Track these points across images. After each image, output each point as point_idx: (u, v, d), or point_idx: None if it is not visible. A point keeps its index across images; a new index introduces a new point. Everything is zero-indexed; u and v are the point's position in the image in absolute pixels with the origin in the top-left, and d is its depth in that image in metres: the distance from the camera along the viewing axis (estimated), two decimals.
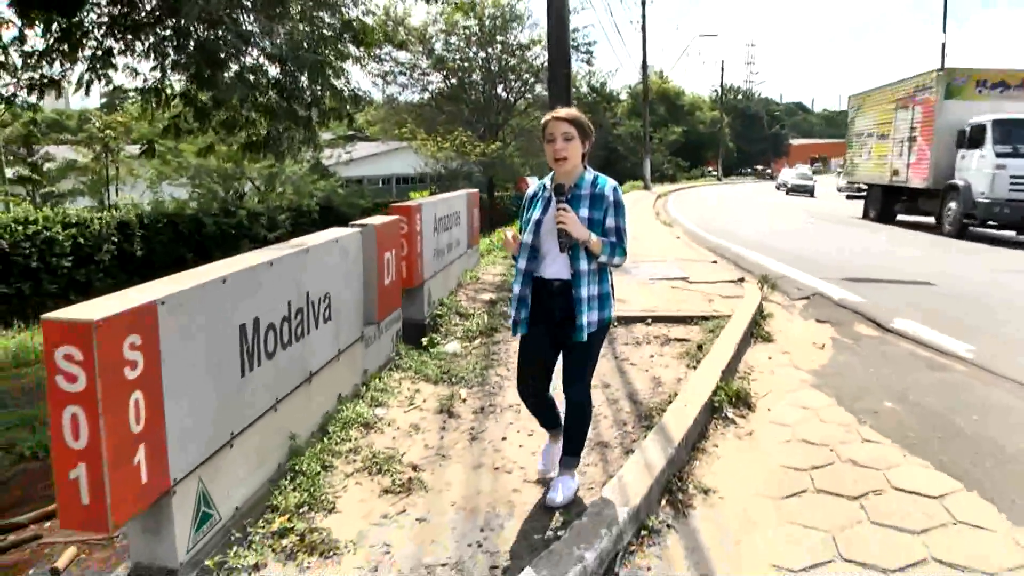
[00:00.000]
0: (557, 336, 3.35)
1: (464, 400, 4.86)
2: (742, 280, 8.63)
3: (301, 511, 3.41)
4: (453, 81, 32.00)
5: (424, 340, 6.03)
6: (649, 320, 6.65)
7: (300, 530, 3.24)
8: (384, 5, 27.29)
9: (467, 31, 32.02)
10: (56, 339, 2.38)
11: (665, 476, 3.63)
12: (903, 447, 4.15)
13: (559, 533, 3.13)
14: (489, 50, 32.20)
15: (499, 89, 33.09)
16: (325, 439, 4.10)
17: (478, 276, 8.98)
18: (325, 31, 10.42)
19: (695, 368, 5.19)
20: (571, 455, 3.51)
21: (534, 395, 3.55)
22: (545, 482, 3.69)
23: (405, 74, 31.88)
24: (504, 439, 4.25)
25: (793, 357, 5.86)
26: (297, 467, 3.73)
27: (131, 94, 11.35)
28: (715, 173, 64.75)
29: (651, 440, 3.89)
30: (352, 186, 33.57)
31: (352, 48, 11.44)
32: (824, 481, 3.75)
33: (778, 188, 44.82)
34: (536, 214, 3.33)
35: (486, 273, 9.35)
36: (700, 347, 5.66)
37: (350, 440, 4.17)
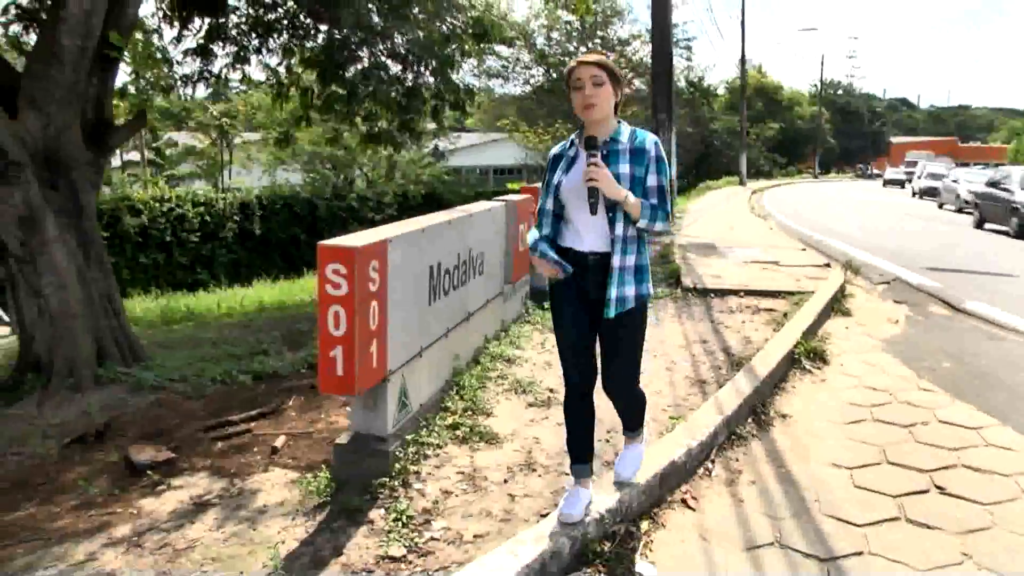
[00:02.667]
0: (594, 320, 2.97)
1: None
2: (827, 265, 9.43)
3: (467, 413, 4.54)
4: (554, 75, 33.05)
5: (546, 303, 7.13)
6: (742, 293, 7.60)
7: (468, 425, 4.35)
8: (487, 1, 28.42)
9: (568, 26, 33.01)
10: (328, 258, 3.49)
11: (751, 401, 4.62)
12: (952, 394, 5.02)
13: (671, 428, 4.17)
14: (589, 45, 33.10)
15: None
16: (478, 367, 5.24)
17: None
18: (457, 30, 11.44)
19: (780, 331, 6.13)
20: (631, 430, 3.38)
21: (582, 379, 3.12)
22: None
23: (507, 68, 33.13)
24: None
25: (867, 328, 6.71)
26: (460, 383, 4.87)
27: (237, 85, 12.67)
28: (812, 170, 63.86)
29: (741, 376, 4.88)
30: (451, 175, 35.13)
31: (473, 45, 12.56)
32: (881, 414, 4.66)
33: (885, 185, 43.33)
34: (558, 176, 2.94)
35: None
36: (785, 315, 6.58)
37: (497, 369, 5.30)
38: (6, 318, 12.76)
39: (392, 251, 3.86)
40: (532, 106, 33.86)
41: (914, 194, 32.49)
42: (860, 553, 3.11)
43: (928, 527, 3.31)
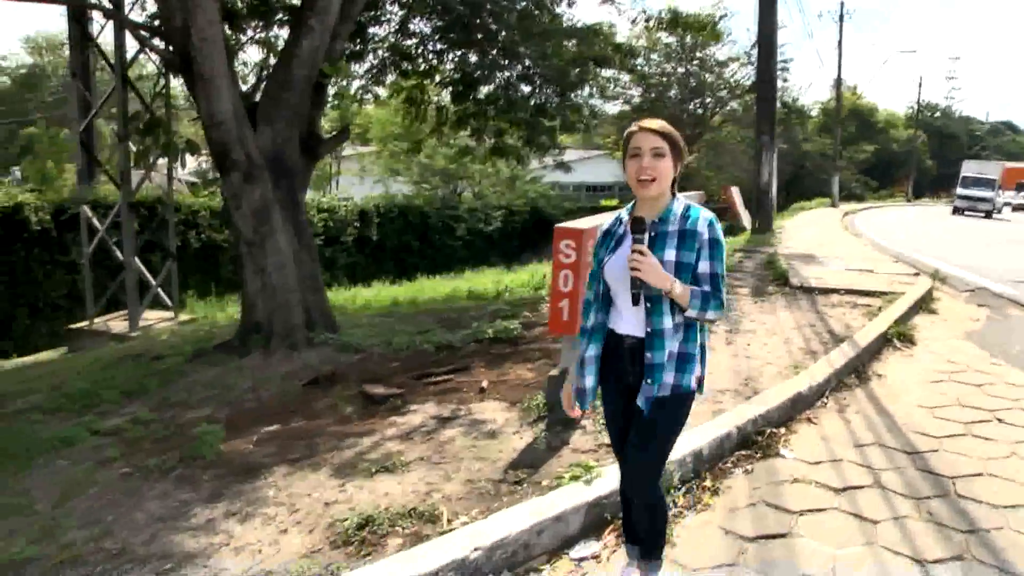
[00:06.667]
0: (630, 403, 2.73)
1: (716, 325, 7.42)
2: (917, 274, 10.63)
3: None
4: (652, 95, 34.41)
5: None
6: (841, 291, 8.96)
7: None
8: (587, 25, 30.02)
9: (668, 48, 34.30)
10: (561, 236, 4.91)
11: (853, 363, 6.04)
12: (1020, 368, 6.31)
13: (796, 374, 5.64)
14: (688, 66, 34.36)
15: (694, 104, 35.20)
16: None
17: None
18: (584, 56, 12.77)
19: (875, 319, 7.49)
20: (646, 556, 2.97)
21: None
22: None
23: (606, 88, 34.60)
24: (748, 345, 6.77)
25: (950, 323, 7.98)
26: None
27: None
28: (904, 194, 63.14)
29: (845, 345, 6.32)
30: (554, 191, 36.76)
31: (595, 70, 14.02)
32: (957, 378, 6.00)
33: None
34: (603, 255, 2.77)
35: None
36: (879, 309, 7.91)
37: None
38: (169, 302, 14.93)
39: (589, 235, 5.40)
40: (630, 125, 35.14)
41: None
42: (936, 451, 4.51)
43: (987, 439, 4.70)
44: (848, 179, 53.26)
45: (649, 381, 2.62)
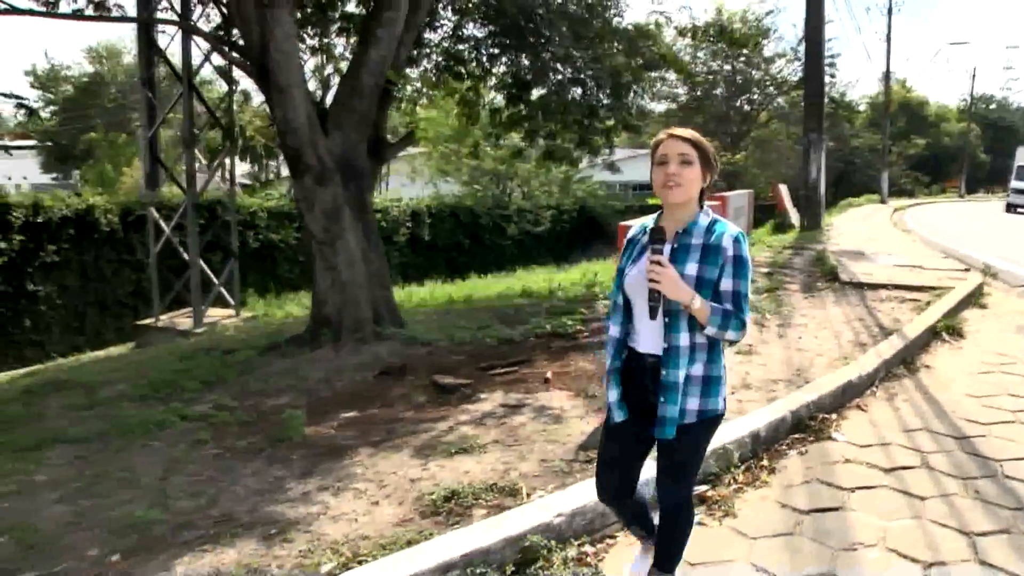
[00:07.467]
0: (648, 427, 2.63)
1: (768, 318, 7.68)
2: (967, 270, 10.72)
3: None
4: (698, 93, 34.48)
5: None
6: (890, 287, 9.14)
7: None
8: (637, 25, 30.20)
9: (714, 45, 34.29)
10: (625, 233, 5.39)
11: (902, 354, 6.27)
12: None
13: (846, 364, 5.89)
14: (734, 63, 34.34)
15: (740, 101, 35.16)
16: None
17: (753, 257, 11.65)
18: (636, 61, 13.02)
19: (924, 312, 7.68)
20: (662, 567, 2.87)
21: (611, 498, 2.88)
22: None
23: (655, 87, 34.75)
24: (800, 338, 7.02)
25: (1000, 318, 8.12)
26: None
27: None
28: (957, 189, 61.87)
29: (894, 337, 6.55)
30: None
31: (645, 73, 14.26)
32: (1006, 369, 6.19)
33: None
34: (626, 263, 2.69)
35: (758, 256, 12.18)
36: (928, 303, 8.09)
37: None
38: (231, 300, 15.54)
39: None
40: (677, 123, 35.26)
41: None
42: (984, 436, 4.75)
43: None
44: (898, 175, 52.47)
45: (663, 400, 2.52)
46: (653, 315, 2.47)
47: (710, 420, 2.59)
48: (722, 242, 2.49)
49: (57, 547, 3.77)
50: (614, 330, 2.70)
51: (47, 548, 3.77)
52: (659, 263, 2.42)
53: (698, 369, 2.52)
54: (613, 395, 2.69)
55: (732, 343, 2.62)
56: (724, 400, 2.62)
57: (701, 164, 2.51)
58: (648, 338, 2.57)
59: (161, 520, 4.02)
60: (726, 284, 2.49)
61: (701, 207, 2.59)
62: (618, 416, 2.69)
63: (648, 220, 2.71)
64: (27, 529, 4.00)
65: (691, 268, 2.47)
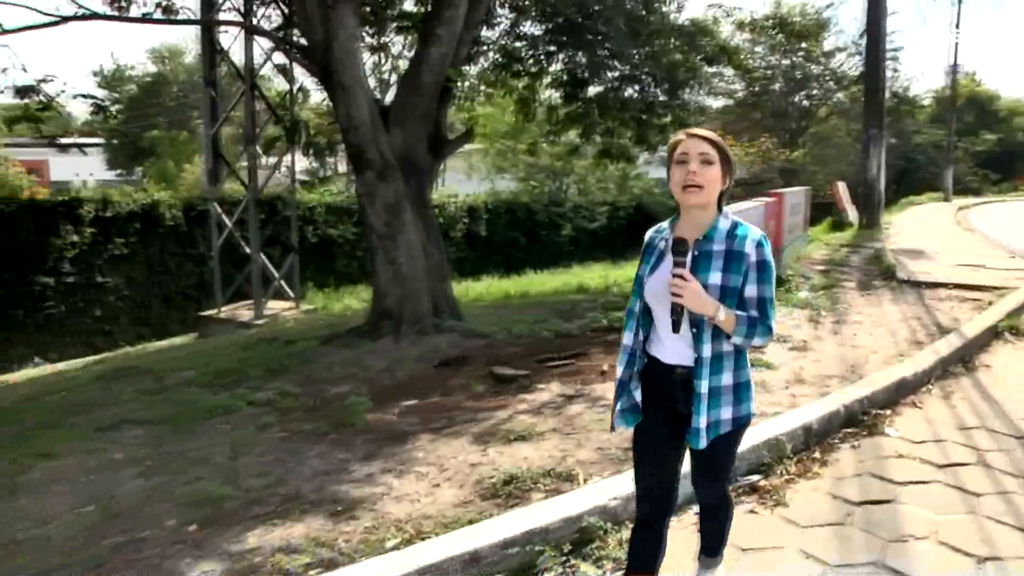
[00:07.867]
0: (680, 431, 2.59)
1: (823, 315, 7.69)
2: None
3: None
4: (755, 88, 34.04)
5: (782, 288, 8.87)
6: (950, 286, 9.04)
7: None
8: (694, 20, 29.97)
9: (771, 39, 33.80)
10: None
11: (960, 353, 6.25)
12: None
13: (901, 362, 5.89)
14: (793, 58, 33.81)
15: (799, 96, 34.63)
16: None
17: (809, 255, 11.72)
18: (694, 56, 12.98)
19: (985, 312, 7.60)
20: (709, 555, 2.92)
21: (651, 507, 2.72)
22: None
23: (712, 83, 34.41)
24: (855, 335, 7.02)
25: None
26: None
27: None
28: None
29: (952, 335, 6.53)
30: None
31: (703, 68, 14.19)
32: None
33: None
34: (644, 271, 2.61)
35: (815, 253, 12.10)
36: (990, 303, 7.99)
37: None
38: (291, 293, 15.93)
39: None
40: (734, 120, 34.98)
41: None
42: None
43: None
44: (963, 172, 50.90)
45: (696, 412, 2.47)
46: (676, 328, 2.43)
47: (744, 425, 2.59)
48: (745, 247, 2.43)
49: (138, 517, 4.05)
50: (628, 339, 2.64)
51: (130, 517, 4.05)
52: (682, 276, 2.36)
53: (728, 378, 2.49)
54: (623, 402, 2.66)
55: (759, 348, 2.61)
56: (752, 403, 2.61)
57: (721, 164, 2.44)
58: (674, 349, 2.53)
59: (232, 496, 4.26)
60: (750, 291, 2.44)
61: (720, 211, 2.52)
62: (624, 423, 2.67)
63: (664, 224, 2.63)
64: (111, 500, 4.30)
65: (715, 278, 2.42)
